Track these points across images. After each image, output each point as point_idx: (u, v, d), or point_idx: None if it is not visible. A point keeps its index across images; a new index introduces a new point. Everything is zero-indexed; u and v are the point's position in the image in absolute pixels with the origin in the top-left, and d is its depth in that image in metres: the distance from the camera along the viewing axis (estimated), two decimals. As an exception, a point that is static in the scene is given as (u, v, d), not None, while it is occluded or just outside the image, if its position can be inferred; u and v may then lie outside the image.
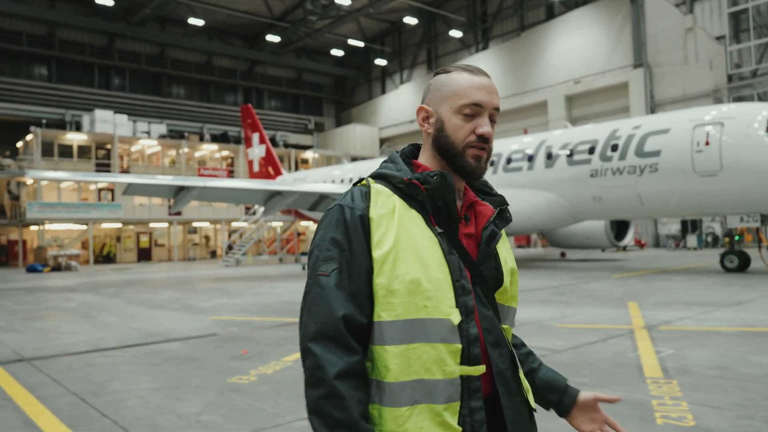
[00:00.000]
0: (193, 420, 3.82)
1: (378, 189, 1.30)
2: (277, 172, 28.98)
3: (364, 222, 1.25)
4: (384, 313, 1.21)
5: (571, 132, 16.77)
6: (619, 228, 19.98)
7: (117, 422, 3.80)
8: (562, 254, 23.23)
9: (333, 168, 28.16)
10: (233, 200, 19.51)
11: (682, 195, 13.81)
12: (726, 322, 6.88)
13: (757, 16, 26.71)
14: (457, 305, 1.23)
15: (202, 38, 39.70)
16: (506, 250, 1.41)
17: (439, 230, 1.28)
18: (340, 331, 1.18)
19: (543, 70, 34.50)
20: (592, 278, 13.41)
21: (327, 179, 24.71)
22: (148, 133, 34.47)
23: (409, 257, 1.22)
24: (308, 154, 41.03)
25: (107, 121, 31.86)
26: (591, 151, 15.42)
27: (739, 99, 26.98)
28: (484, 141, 1.31)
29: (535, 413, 1.34)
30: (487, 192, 1.45)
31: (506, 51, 36.58)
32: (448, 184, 1.27)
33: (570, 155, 15.90)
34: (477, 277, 1.29)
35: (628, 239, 20.15)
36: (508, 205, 1.41)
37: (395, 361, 1.19)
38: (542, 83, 34.39)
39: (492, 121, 1.33)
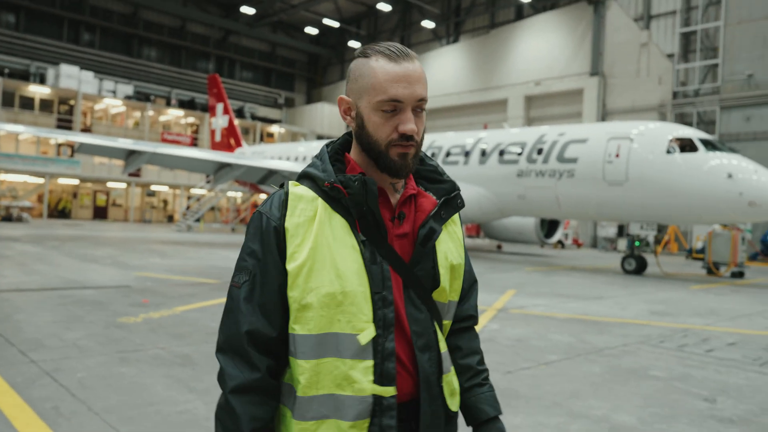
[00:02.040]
0: (71, 343, 4.80)
1: (297, 194, 1.24)
2: (238, 144, 29.63)
3: (279, 233, 1.21)
4: (297, 326, 1.19)
5: (505, 133, 17.93)
6: (551, 226, 21.32)
7: (9, 340, 4.76)
8: (499, 246, 24.58)
9: (297, 144, 28.88)
10: (184, 168, 20.22)
11: (593, 200, 15.09)
12: (569, 311, 8.08)
13: (705, 39, 28.19)
14: (374, 319, 1.19)
15: (176, 2, 39.68)
16: (451, 242, 1.35)
17: (362, 238, 1.22)
18: (243, 346, 1.18)
19: (507, 68, 35.62)
20: (504, 269, 14.64)
21: (288, 155, 25.41)
22: (114, 92, 34.59)
23: (324, 269, 1.18)
24: (274, 128, 41.60)
25: (72, 77, 31.92)
26: (519, 152, 16.60)
27: (681, 116, 28.57)
28: (408, 138, 1.22)
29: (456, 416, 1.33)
30: (435, 179, 1.36)
31: (475, 46, 37.57)
32: (370, 191, 1.20)
33: (501, 154, 17.06)
34: (410, 280, 1.24)
35: (556, 238, 21.49)
36: (458, 190, 1.34)
37: (305, 375, 1.17)
38: (505, 81, 35.53)
39: (419, 110, 1.25)
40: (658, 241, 16.06)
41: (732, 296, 10.78)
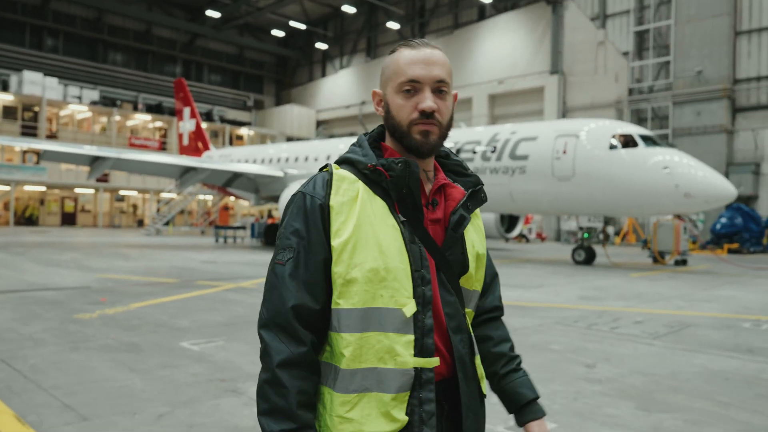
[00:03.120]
0: (27, 336, 5.25)
1: (341, 175, 1.29)
2: (206, 147, 29.85)
3: (324, 210, 1.25)
4: (341, 300, 1.22)
5: (461, 132, 18.58)
6: (511, 221, 22.05)
7: (-30, 335, 5.20)
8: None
9: (267, 146, 29.16)
10: (149, 172, 20.47)
11: (544, 195, 15.80)
12: (505, 298, 8.67)
13: (658, 37, 29.29)
14: (415, 296, 1.23)
15: (141, 6, 39.66)
16: (476, 233, 1.41)
17: (402, 218, 1.27)
18: (289, 321, 1.20)
19: (471, 68, 36.39)
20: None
21: (255, 157, 25.73)
22: (79, 98, 34.51)
23: (368, 246, 1.22)
24: (243, 131, 41.83)
25: (36, 83, 31.81)
26: (474, 150, 17.27)
27: (637, 111, 29.67)
28: (428, 116, 1.28)
29: (485, 398, 1.37)
30: (460, 172, 1.43)
31: (440, 46, 38.10)
32: (413, 172, 1.26)
33: (458, 153, 17.70)
34: (442, 263, 1.29)
35: (516, 232, 22.18)
36: (482, 185, 1.40)
37: (350, 348, 1.20)
38: (469, 80, 36.27)
39: (440, 92, 1.30)
40: (607, 232, 16.80)
41: (664, 282, 11.56)
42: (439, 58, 1.32)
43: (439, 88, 1.30)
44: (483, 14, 37.12)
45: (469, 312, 1.39)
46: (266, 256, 15.64)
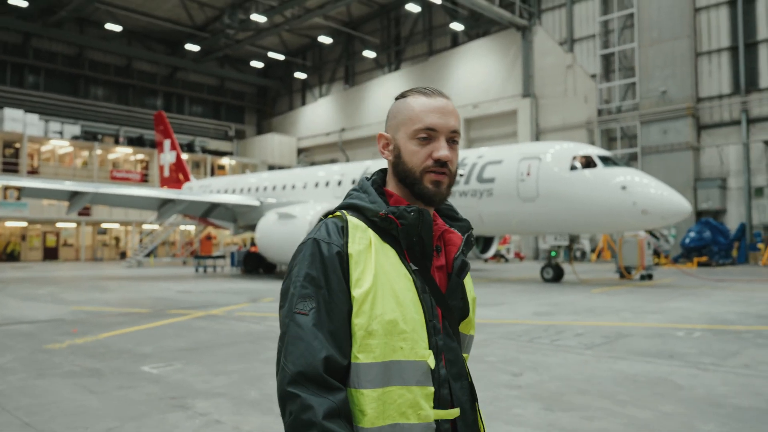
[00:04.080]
0: (-3, 366, 5.62)
1: (355, 223, 1.26)
2: (186, 178, 30.25)
3: (343, 259, 1.22)
4: (361, 354, 1.18)
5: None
6: (486, 243, 22.58)
7: (-58, 366, 5.55)
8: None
9: (247, 176, 29.58)
10: (128, 205, 20.83)
11: (511, 216, 16.36)
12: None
13: (623, 59, 30.37)
14: (430, 346, 1.22)
15: (121, 42, 40.31)
16: (468, 279, 1.40)
17: (414, 267, 1.26)
18: (320, 374, 1.14)
19: (447, 93, 36.07)
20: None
21: (234, 187, 26.16)
22: (60, 133, 34.81)
23: (386, 296, 1.20)
24: (225, 161, 42.29)
25: (17, 120, 32.12)
26: (444, 175, 17.82)
27: (607, 131, 30.60)
28: (442, 165, 1.29)
29: None
30: (452, 216, 1.42)
31: (416, 73, 39.21)
32: (425, 221, 1.26)
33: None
34: (446, 310, 1.28)
35: (491, 252, 22.71)
36: (472, 229, 1.41)
37: (372, 406, 1.16)
38: (445, 105, 37.10)
39: (453, 142, 1.32)
40: (574, 250, 17.33)
41: (622, 296, 12.08)
42: (453, 109, 1.34)
43: (453, 139, 1.32)
44: (456, 41, 38.19)
45: (465, 357, 1.38)
46: (245, 284, 15.98)
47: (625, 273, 17.00)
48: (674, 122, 27.86)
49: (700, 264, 23.83)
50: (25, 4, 32.31)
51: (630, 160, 29.42)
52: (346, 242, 1.23)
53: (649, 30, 28.83)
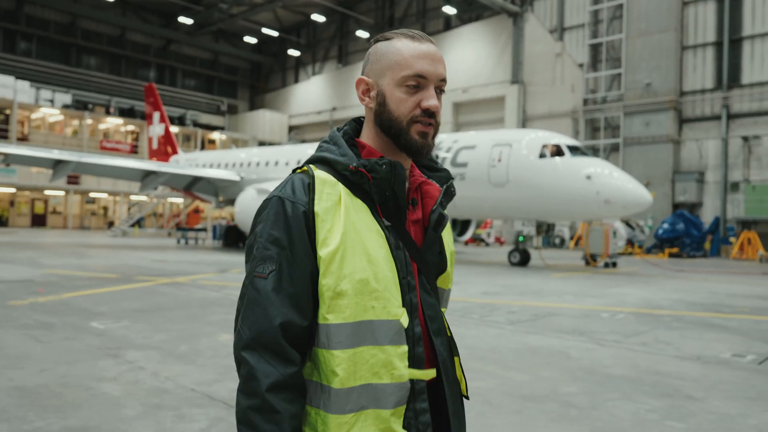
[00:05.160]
0: (-42, 317, 6.10)
1: (322, 179, 1.20)
2: (174, 151, 30.55)
3: (308, 218, 1.16)
4: (330, 315, 1.14)
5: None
6: (464, 226, 23.08)
7: None
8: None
9: (234, 151, 29.95)
10: (112, 176, 21.22)
11: (483, 201, 16.83)
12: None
13: (611, 50, 30.65)
14: (404, 304, 1.18)
15: (115, 12, 40.26)
16: (447, 232, 1.36)
17: (387, 223, 1.21)
18: (277, 340, 1.11)
19: (437, 76, 37.51)
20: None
21: (220, 162, 26.47)
22: (51, 101, 35.02)
23: (356, 255, 1.15)
24: (215, 135, 42.56)
25: (7, 86, 32.30)
26: (420, 158, 18.27)
27: (591, 121, 30.99)
28: (430, 115, 1.22)
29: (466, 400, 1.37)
30: (431, 167, 1.37)
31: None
32: (398, 174, 1.20)
33: (405, 160, 18.71)
34: (423, 265, 1.24)
35: (468, 235, 23.21)
36: (453, 179, 1.35)
37: (343, 366, 1.13)
38: (435, 89, 37.42)
39: (440, 91, 1.25)
40: (540, 235, 17.79)
41: (576, 281, 12.63)
42: (441, 55, 1.26)
43: (440, 88, 1.26)
44: (449, 25, 38.34)
45: (443, 311, 1.35)
46: (221, 257, 16.47)
47: (590, 260, 17.55)
48: (657, 114, 28.25)
49: (671, 255, 24.43)
50: (17, -30, 32.24)
51: (612, 151, 29.90)
52: (312, 200, 1.18)
53: (638, 21, 29.08)
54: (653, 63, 28.55)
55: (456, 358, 1.31)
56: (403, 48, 1.23)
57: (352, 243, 1.16)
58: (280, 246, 1.16)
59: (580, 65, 31.50)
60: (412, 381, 1.18)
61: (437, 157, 17.99)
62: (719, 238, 26.44)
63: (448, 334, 1.30)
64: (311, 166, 1.25)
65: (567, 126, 31.12)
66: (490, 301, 8.85)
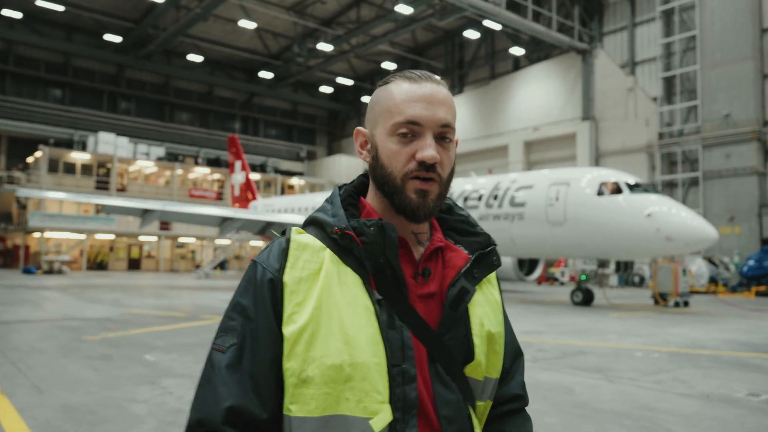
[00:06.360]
0: (37, 349, 7.09)
1: (301, 243, 1.04)
2: (254, 197, 32.48)
3: (275, 288, 1.00)
4: (294, 406, 0.97)
5: (470, 181, 19.96)
6: (531, 264, 22.94)
7: (2, 348, 7.10)
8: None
9: (308, 195, 31.48)
10: (193, 222, 22.95)
11: (541, 239, 16.83)
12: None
13: (685, 81, 29.80)
14: (392, 399, 0.97)
15: (204, 70, 43.80)
16: (488, 306, 1.13)
17: (378, 296, 1.01)
18: (217, 427, 0.95)
19: (507, 116, 37.83)
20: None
21: (293, 206, 27.95)
22: (147, 154, 38.31)
23: (330, 335, 0.97)
24: (294, 181, 44.67)
25: (109, 143, 35.75)
26: (479, 198, 18.58)
27: (668, 155, 30.01)
28: (428, 169, 1.03)
29: None
30: (466, 231, 1.16)
31: (478, 96, 40.03)
32: (389, 238, 1.01)
33: (465, 201, 19.06)
34: (437, 351, 1.03)
35: (536, 275, 23.01)
36: (494, 246, 1.14)
37: None
38: (506, 128, 37.69)
39: (444, 139, 1.06)
40: (603, 275, 17.45)
41: (632, 321, 12.36)
42: (445, 96, 1.08)
43: (443, 135, 1.07)
44: (517, 65, 38.67)
45: (482, 405, 1.13)
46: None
47: (659, 299, 16.95)
48: (738, 146, 27.01)
49: (758, 293, 22.94)
50: (119, 40, 36.12)
51: (691, 185, 28.75)
52: (282, 267, 1.02)
53: (712, 52, 28.21)
54: (732, 93, 27.47)
55: None
56: (396, 91, 1.08)
57: (327, 320, 0.98)
58: (246, 317, 1.01)
59: (654, 99, 30.77)
60: None
61: (479, 199, 18.20)
62: (815, 275, 24.54)
63: None
64: (296, 228, 1.10)
65: (642, 161, 30.36)
66: (527, 340, 8.97)
